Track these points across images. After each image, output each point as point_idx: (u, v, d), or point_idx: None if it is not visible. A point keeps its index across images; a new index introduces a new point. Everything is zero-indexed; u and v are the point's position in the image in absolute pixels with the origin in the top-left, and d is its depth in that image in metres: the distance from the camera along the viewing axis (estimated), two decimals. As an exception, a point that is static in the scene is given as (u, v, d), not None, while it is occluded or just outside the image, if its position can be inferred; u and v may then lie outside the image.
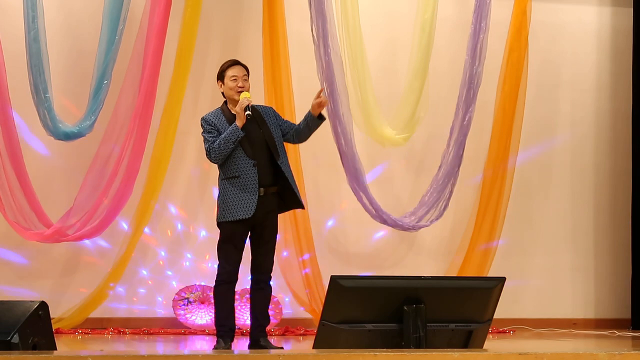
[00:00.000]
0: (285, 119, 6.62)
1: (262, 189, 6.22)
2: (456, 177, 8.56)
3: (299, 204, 6.39)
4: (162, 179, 7.97)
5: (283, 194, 6.34)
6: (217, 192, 6.38)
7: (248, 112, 6.13)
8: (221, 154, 6.19)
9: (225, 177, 6.27)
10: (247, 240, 6.38)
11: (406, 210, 8.61)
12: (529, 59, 8.73)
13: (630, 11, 9.27)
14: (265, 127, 6.34)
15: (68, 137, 7.76)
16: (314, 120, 6.46)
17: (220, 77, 6.36)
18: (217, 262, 6.36)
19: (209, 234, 8.10)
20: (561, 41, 9.26)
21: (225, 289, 6.31)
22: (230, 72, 6.32)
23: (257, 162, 6.22)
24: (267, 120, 6.39)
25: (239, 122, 6.15)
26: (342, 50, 8.24)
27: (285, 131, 6.48)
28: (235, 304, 6.53)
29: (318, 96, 6.42)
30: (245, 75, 6.36)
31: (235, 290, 6.41)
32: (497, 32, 8.63)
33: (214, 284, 6.37)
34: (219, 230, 6.34)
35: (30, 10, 7.56)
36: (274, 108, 7.87)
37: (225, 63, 6.39)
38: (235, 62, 6.39)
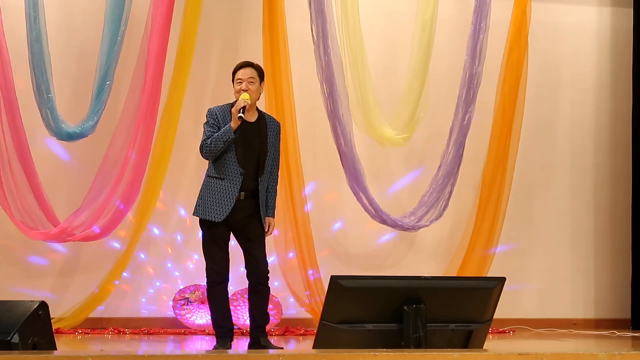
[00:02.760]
0: (279, 150, 6.54)
1: (242, 193, 6.24)
2: (456, 177, 8.56)
3: (261, 223, 6.35)
4: (163, 178, 7.97)
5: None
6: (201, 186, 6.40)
7: (240, 115, 6.11)
8: (211, 152, 6.21)
9: (211, 176, 6.30)
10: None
11: (406, 210, 8.61)
12: (528, 59, 8.73)
13: (630, 11, 9.28)
14: (264, 139, 6.34)
15: (71, 137, 7.77)
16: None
17: (232, 79, 6.39)
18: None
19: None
20: (561, 41, 9.26)
21: (218, 290, 6.31)
22: (237, 75, 6.34)
23: (244, 171, 6.22)
24: (269, 134, 6.38)
25: (233, 124, 6.15)
26: (342, 51, 8.24)
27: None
28: (234, 304, 6.54)
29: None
30: (252, 77, 6.32)
31: (234, 290, 6.42)
32: (497, 32, 8.63)
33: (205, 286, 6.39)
34: (201, 231, 6.36)
35: (32, 10, 7.57)
36: (274, 110, 7.91)
37: (236, 65, 6.41)
38: (244, 65, 6.38)
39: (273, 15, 8.18)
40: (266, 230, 6.39)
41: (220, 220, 6.20)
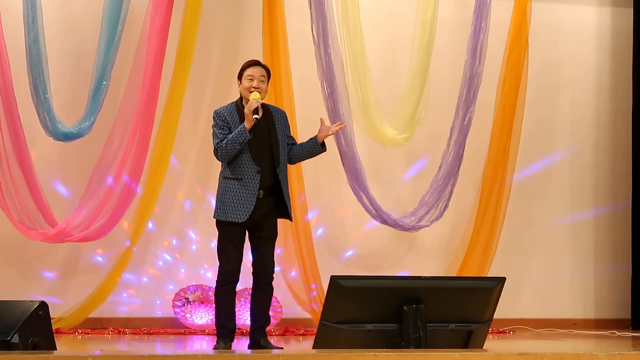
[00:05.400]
0: (292, 137, 6.58)
1: (261, 191, 6.23)
2: (456, 177, 8.56)
3: (287, 215, 6.38)
4: (162, 178, 7.97)
5: (278, 199, 6.34)
6: (217, 188, 6.38)
7: (256, 116, 6.11)
8: (228, 154, 6.19)
9: (228, 177, 6.28)
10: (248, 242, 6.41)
11: (406, 210, 8.61)
12: (529, 59, 8.73)
13: (630, 11, 9.28)
14: (273, 131, 6.33)
15: (67, 137, 7.77)
16: (316, 148, 6.44)
17: (239, 76, 6.37)
18: (218, 263, 6.37)
19: (209, 234, 8.09)
20: (561, 41, 9.26)
21: (227, 290, 6.32)
22: (247, 72, 6.32)
23: (261, 169, 6.22)
24: (277, 125, 6.38)
25: (247, 124, 6.14)
26: (343, 50, 8.24)
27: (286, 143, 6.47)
28: (235, 304, 6.54)
29: (338, 126, 6.47)
30: (263, 76, 6.33)
31: (236, 290, 6.42)
32: (497, 33, 8.63)
33: (215, 284, 6.38)
34: (217, 231, 6.35)
35: (30, 11, 7.57)
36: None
37: (246, 62, 6.40)
38: (255, 63, 6.39)
39: (273, 15, 8.18)
40: (336, 125, 6.49)
41: (242, 220, 6.18)
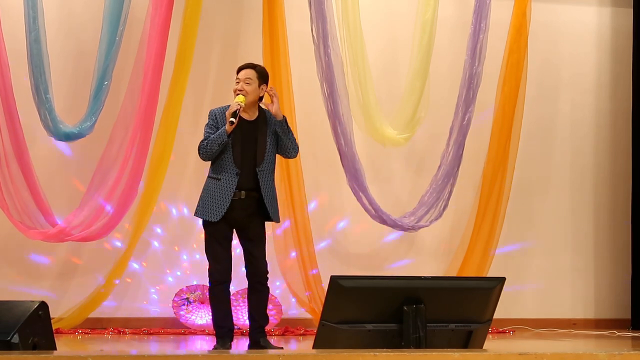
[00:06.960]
0: (287, 132, 6.52)
1: (243, 192, 6.23)
2: (456, 177, 8.56)
3: (272, 217, 6.35)
4: (162, 179, 7.97)
5: (262, 201, 6.33)
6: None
7: (232, 119, 6.12)
8: (207, 153, 6.24)
9: (210, 176, 6.33)
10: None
11: (406, 211, 8.61)
12: (528, 59, 8.73)
13: (630, 11, 9.28)
14: (262, 134, 6.32)
15: (69, 137, 7.77)
16: (277, 125, 6.37)
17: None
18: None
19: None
20: (561, 42, 9.26)
21: (220, 290, 6.33)
22: (237, 76, 6.36)
23: (240, 172, 6.21)
24: (269, 127, 6.36)
25: (227, 127, 6.16)
26: (343, 51, 8.24)
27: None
28: (234, 305, 6.54)
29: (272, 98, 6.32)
30: (249, 78, 6.31)
31: (234, 290, 6.43)
32: (497, 33, 8.63)
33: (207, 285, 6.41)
34: (204, 230, 6.36)
35: (31, 11, 7.57)
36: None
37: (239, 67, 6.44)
38: (244, 67, 6.39)
39: (273, 15, 8.18)
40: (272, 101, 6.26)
41: (216, 220, 6.20)
